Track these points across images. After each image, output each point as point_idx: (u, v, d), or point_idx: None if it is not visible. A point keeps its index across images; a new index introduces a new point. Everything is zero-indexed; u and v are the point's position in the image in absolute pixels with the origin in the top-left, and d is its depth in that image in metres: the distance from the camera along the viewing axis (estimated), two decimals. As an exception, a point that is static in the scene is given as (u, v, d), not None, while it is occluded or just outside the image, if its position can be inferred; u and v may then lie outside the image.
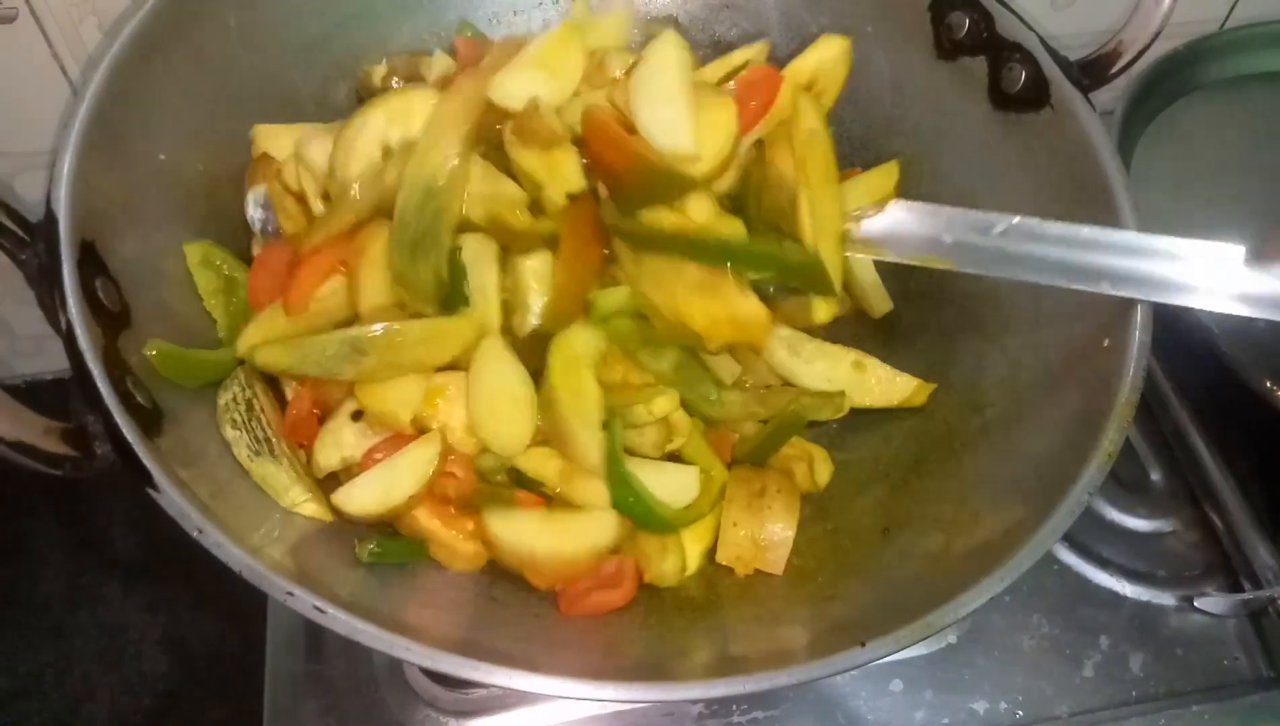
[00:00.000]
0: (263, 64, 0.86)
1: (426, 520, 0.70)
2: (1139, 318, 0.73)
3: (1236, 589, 0.90)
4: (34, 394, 1.16)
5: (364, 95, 0.92)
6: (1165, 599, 0.91)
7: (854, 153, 0.99)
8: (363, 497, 0.70)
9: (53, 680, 1.06)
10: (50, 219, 0.63)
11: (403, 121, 0.76)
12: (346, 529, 0.71)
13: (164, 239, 0.75)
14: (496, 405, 0.71)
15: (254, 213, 0.83)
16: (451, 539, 0.70)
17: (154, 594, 1.11)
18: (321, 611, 0.55)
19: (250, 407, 0.72)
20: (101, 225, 0.67)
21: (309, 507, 0.70)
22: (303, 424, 0.75)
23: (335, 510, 0.71)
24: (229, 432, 0.71)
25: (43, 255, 0.61)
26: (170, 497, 0.57)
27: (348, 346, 0.70)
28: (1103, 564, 0.92)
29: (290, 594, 0.55)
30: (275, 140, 0.84)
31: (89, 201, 0.66)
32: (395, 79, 0.91)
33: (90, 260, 0.64)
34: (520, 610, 0.71)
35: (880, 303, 0.92)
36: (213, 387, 0.72)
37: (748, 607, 0.72)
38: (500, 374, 0.71)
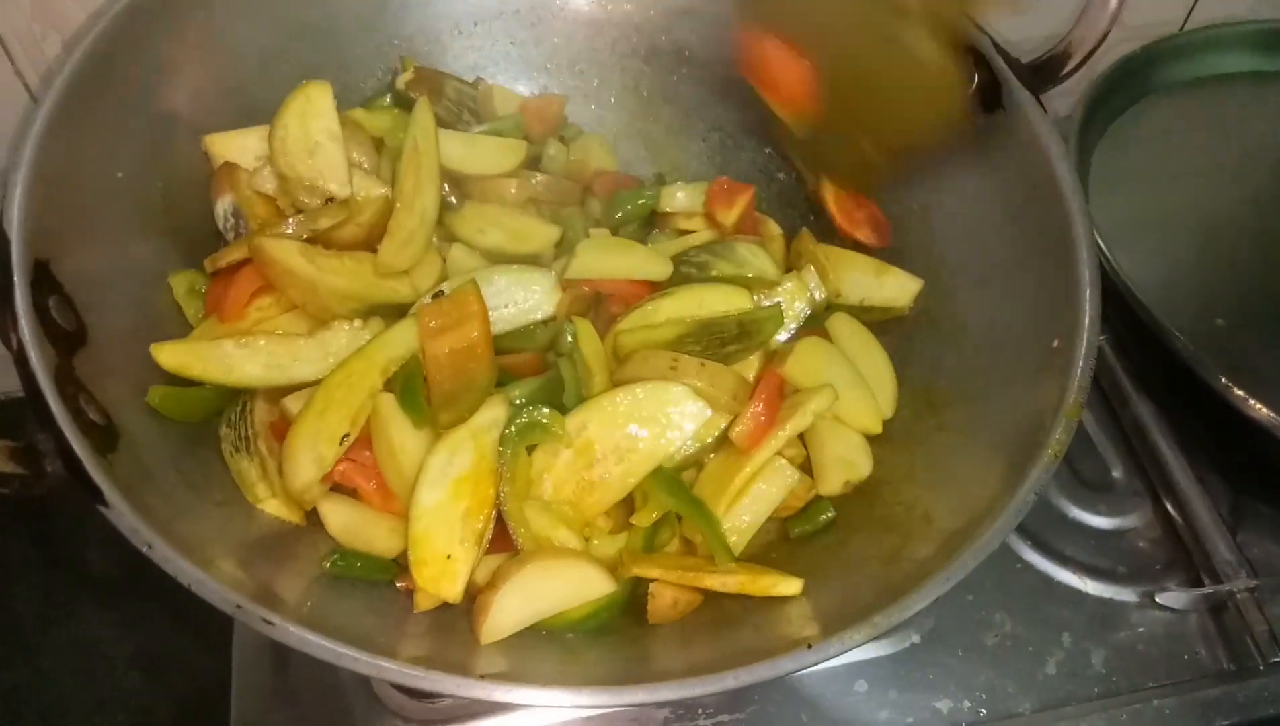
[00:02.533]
0: (221, 78, 0.86)
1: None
2: (1087, 320, 0.74)
3: (1197, 584, 0.91)
4: (5, 412, 1.16)
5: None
6: (1127, 595, 0.91)
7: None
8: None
9: (26, 697, 1.06)
10: (2, 239, 0.63)
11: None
12: (305, 544, 0.72)
13: (123, 257, 0.76)
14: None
15: (225, 222, 0.84)
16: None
17: (127, 610, 1.11)
18: (269, 623, 0.55)
19: (245, 407, 0.76)
20: (56, 244, 0.67)
21: (272, 505, 0.73)
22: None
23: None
24: (223, 429, 0.75)
25: (-6, 276, 0.62)
26: (120, 513, 0.57)
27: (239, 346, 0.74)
28: (1065, 561, 0.93)
29: (239, 606, 0.55)
30: (231, 146, 0.85)
31: (43, 221, 0.66)
32: (414, 92, 0.93)
33: (44, 280, 0.65)
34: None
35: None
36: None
37: (703, 614, 0.73)
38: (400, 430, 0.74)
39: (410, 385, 0.74)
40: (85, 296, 0.68)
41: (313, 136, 0.84)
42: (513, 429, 0.74)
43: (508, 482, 0.73)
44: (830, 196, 0.96)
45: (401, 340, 0.75)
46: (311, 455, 0.71)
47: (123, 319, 0.72)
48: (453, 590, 0.69)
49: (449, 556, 0.69)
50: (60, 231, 0.68)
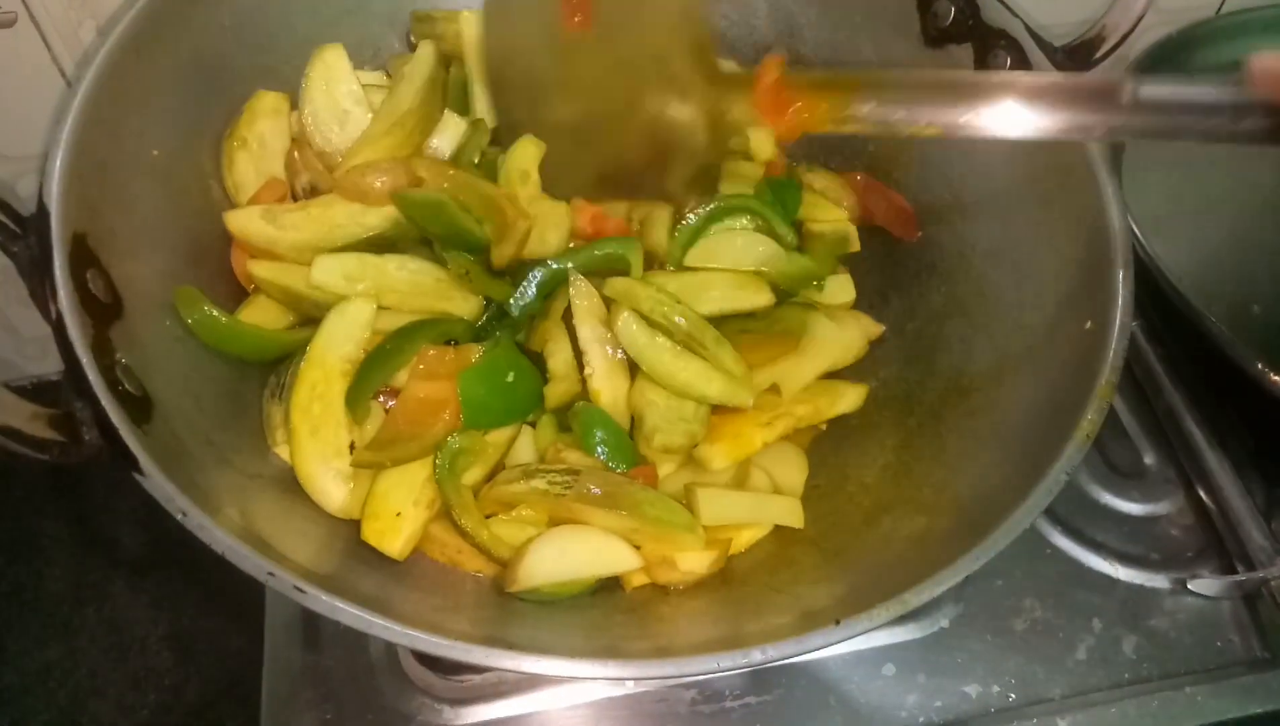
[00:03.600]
0: (257, 60, 0.87)
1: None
2: (1120, 300, 0.73)
3: (1230, 571, 0.90)
4: (40, 394, 1.18)
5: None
6: (1159, 581, 0.90)
7: (843, 141, 1.00)
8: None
9: (60, 676, 1.08)
10: (42, 212, 0.64)
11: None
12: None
13: (158, 232, 0.76)
14: None
15: None
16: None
17: (160, 591, 1.12)
18: (301, 590, 0.56)
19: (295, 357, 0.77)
20: (93, 218, 0.68)
21: (284, 451, 0.74)
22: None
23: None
24: (271, 378, 0.78)
25: (34, 247, 0.63)
26: (156, 481, 0.58)
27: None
28: (1096, 547, 0.92)
29: (271, 574, 0.56)
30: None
31: (81, 195, 0.67)
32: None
33: (81, 252, 0.65)
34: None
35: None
36: (201, 376, 0.73)
37: (730, 591, 0.73)
38: None
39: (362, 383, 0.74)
40: (121, 269, 0.69)
41: (340, 104, 0.85)
42: (440, 466, 0.73)
43: (455, 510, 0.72)
44: (853, 189, 0.96)
45: (346, 335, 0.76)
46: (330, 475, 0.72)
47: (157, 293, 0.73)
48: (394, 546, 0.70)
49: (398, 514, 0.71)
50: (97, 206, 0.69)
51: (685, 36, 0.84)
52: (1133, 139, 0.70)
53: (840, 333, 0.87)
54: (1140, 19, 0.84)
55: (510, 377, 0.77)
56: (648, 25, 0.85)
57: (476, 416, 0.75)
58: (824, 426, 0.88)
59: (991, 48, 0.87)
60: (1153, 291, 0.92)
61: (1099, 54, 0.87)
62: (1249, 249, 1.04)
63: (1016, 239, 0.86)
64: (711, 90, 0.83)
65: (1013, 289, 0.84)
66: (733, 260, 0.86)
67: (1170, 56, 1.13)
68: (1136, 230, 0.95)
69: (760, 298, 0.86)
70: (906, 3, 0.92)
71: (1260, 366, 0.88)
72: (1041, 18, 0.89)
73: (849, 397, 0.86)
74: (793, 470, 0.83)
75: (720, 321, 0.83)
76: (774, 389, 0.84)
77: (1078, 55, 0.86)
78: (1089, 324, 0.75)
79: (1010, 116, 0.68)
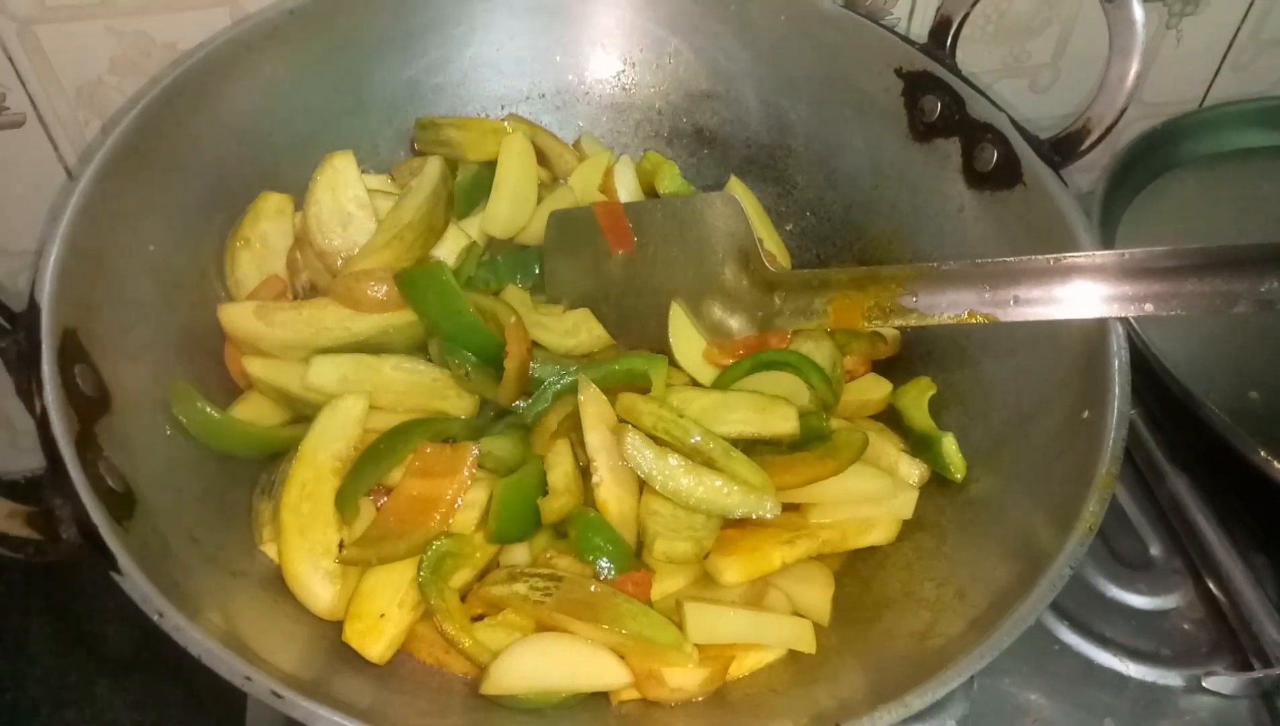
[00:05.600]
0: (256, 158, 0.88)
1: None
2: (1117, 389, 0.73)
3: (1246, 667, 0.87)
4: (35, 489, 1.16)
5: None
6: (1172, 679, 0.87)
7: (834, 233, 1.01)
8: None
9: (37, 782, 1.04)
10: (33, 307, 0.64)
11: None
12: (319, 620, 0.71)
13: (151, 327, 0.76)
14: None
15: None
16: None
17: (143, 690, 1.10)
18: (279, 696, 0.54)
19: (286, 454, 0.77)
20: (85, 313, 0.68)
21: (271, 549, 0.73)
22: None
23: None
24: (262, 476, 0.77)
25: (23, 342, 0.62)
26: (133, 580, 0.56)
27: None
28: (1105, 643, 0.89)
29: (248, 678, 0.54)
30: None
31: (74, 290, 0.67)
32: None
33: (71, 347, 0.65)
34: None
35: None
36: (187, 471, 0.72)
37: (730, 692, 0.70)
38: None
39: (354, 482, 0.74)
40: (111, 365, 0.68)
41: (345, 207, 0.86)
42: (424, 570, 0.71)
43: (439, 615, 0.70)
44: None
45: (338, 433, 0.76)
46: (318, 576, 0.71)
47: (148, 389, 0.73)
48: (375, 649, 0.68)
49: (382, 615, 0.69)
50: (90, 302, 0.69)
51: (732, 248, 0.87)
52: (1186, 313, 0.73)
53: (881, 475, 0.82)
54: (1124, 111, 0.85)
55: (541, 498, 0.76)
56: (692, 241, 0.88)
57: (507, 528, 0.74)
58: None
59: (978, 141, 0.89)
60: (1150, 380, 0.91)
61: (1085, 146, 0.88)
62: (1244, 337, 1.04)
63: (1011, 327, 0.86)
64: (758, 292, 0.87)
65: (1009, 377, 0.84)
66: (762, 386, 0.85)
67: (1156, 148, 1.15)
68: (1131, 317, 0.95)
69: (785, 425, 0.81)
70: (894, 99, 0.94)
71: (1263, 454, 0.86)
72: (1027, 111, 0.90)
73: (881, 529, 0.81)
74: (817, 591, 0.77)
75: (750, 446, 0.80)
76: (800, 508, 0.80)
77: (1064, 147, 0.88)
78: (1086, 413, 0.74)
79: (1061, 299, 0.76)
